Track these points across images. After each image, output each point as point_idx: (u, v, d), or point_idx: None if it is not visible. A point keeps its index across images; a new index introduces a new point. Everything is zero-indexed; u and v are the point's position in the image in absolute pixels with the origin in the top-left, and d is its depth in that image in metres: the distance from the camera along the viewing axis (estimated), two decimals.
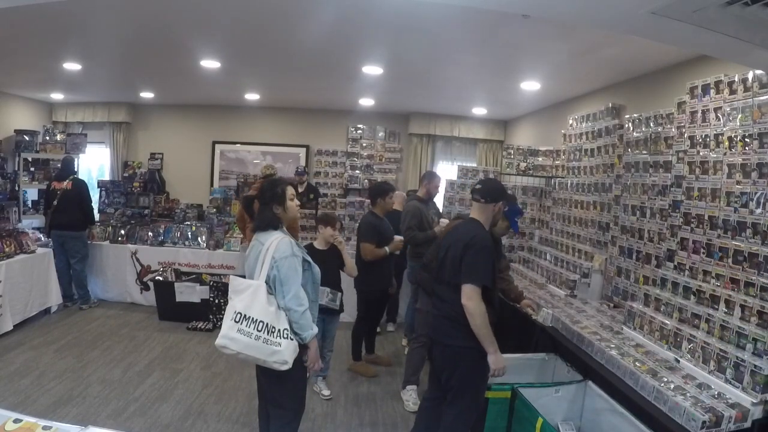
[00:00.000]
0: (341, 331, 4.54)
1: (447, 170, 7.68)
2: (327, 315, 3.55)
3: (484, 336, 2.34)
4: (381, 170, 7.81)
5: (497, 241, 3.67)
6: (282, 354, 2.15)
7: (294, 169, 7.47)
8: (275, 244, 2.22)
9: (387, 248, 4.08)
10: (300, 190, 6.66)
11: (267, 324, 2.15)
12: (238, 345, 2.15)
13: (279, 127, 7.96)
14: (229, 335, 2.15)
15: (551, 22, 2.85)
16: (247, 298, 2.18)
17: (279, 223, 2.32)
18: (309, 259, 2.35)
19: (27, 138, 6.89)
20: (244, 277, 2.32)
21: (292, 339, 2.19)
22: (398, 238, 4.22)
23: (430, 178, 4.78)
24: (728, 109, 2.62)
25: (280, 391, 2.33)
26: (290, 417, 2.37)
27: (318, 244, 3.66)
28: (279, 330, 2.16)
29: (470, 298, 2.32)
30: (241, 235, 5.79)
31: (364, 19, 3.32)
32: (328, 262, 3.48)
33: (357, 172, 7.73)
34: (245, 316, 2.15)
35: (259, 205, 2.34)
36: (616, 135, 3.93)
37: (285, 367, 2.17)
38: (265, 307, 2.17)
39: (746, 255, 2.42)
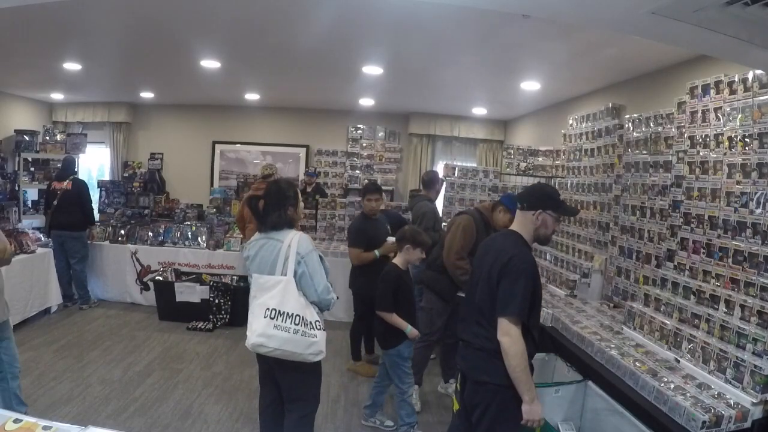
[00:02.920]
0: (341, 332, 4.55)
1: (438, 167, 7.66)
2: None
3: (519, 379, 1.94)
4: (381, 170, 7.81)
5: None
6: (319, 344, 2.24)
7: (294, 168, 7.49)
8: (296, 240, 2.28)
9: (377, 252, 3.94)
10: (308, 190, 6.67)
11: (302, 317, 2.20)
12: (276, 341, 2.18)
13: (279, 127, 7.96)
14: (267, 333, 2.17)
15: (551, 22, 2.85)
16: (279, 293, 2.21)
17: (294, 223, 2.41)
18: (320, 254, 2.41)
19: (27, 138, 6.89)
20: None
21: (323, 330, 2.29)
22: (391, 239, 4.00)
23: (437, 180, 4.76)
24: (728, 109, 2.62)
25: (303, 384, 2.39)
26: (311, 408, 2.44)
27: (400, 264, 3.17)
28: (311, 322, 2.23)
29: (506, 333, 1.94)
30: (241, 235, 5.79)
31: (364, 19, 3.32)
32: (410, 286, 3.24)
33: (357, 172, 7.73)
34: (280, 311, 2.19)
35: (268, 205, 2.38)
36: (616, 135, 3.93)
37: (320, 357, 2.27)
38: (298, 300, 2.22)
39: (746, 255, 2.42)
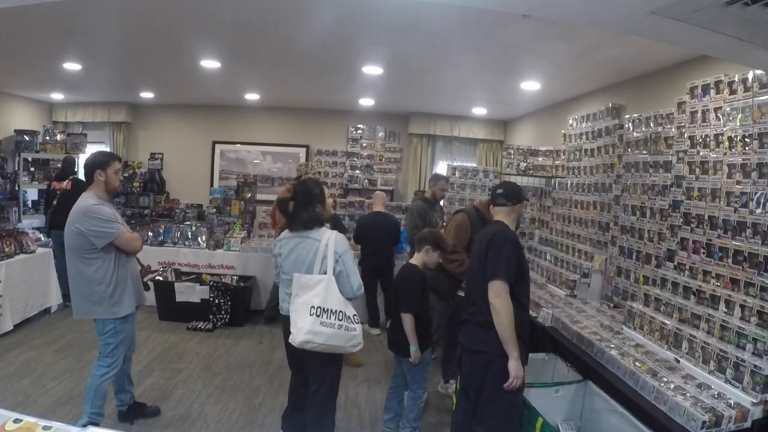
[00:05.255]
0: None
1: (439, 168, 7.70)
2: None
3: (508, 338, 2.21)
4: (381, 170, 7.81)
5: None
6: (359, 337, 2.41)
7: (294, 168, 7.43)
8: (333, 239, 2.41)
9: None
10: None
11: (344, 313, 2.35)
12: (322, 337, 2.31)
13: (279, 127, 7.96)
14: (314, 330, 2.29)
15: (551, 22, 2.84)
16: (322, 292, 2.34)
17: (323, 220, 2.51)
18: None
19: (27, 138, 6.89)
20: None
21: (360, 323, 2.44)
22: None
23: (435, 180, 4.85)
24: (728, 109, 2.62)
25: (333, 369, 2.56)
26: (332, 390, 2.61)
27: (418, 264, 3.04)
28: (350, 316, 2.38)
29: (497, 295, 2.22)
30: (241, 235, 5.83)
31: (364, 19, 3.32)
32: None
33: (357, 172, 7.73)
34: (324, 309, 2.32)
35: (298, 205, 2.50)
36: (616, 135, 3.93)
37: (359, 348, 2.44)
38: (339, 297, 2.36)
39: (746, 255, 2.42)
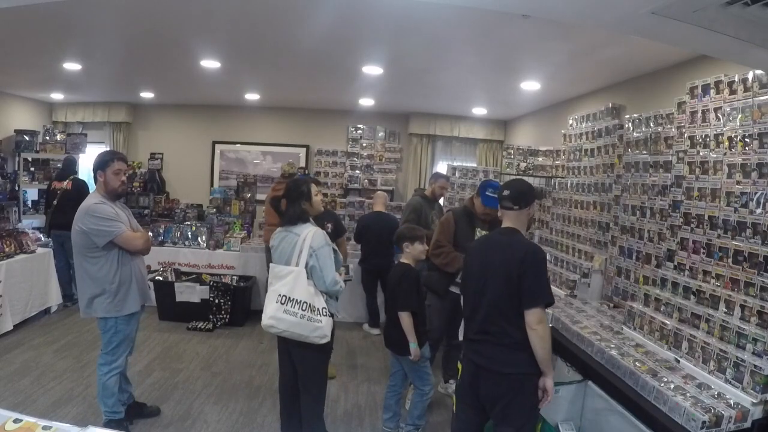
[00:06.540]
0: (339, 331, 4.55)
1: (439, 168, 7.70)
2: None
3: (547, 359, 2.14)
4: (381, 170, 7.81)
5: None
6: (323, 329, 2.48)
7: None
8: (311, 235, 2.52)
9: None
10: None
11: (309, 304, 2.45)
12: (285, 324, 2.45)
13: (279, 127, 7.96)
14: (277, 316, 2.44)
15: (551, 22, 2.84)
16: (290, 282, 2.46)
17: (308, 216, 2.63)
18: (334, 246, 2.64)
19: (27, 138, 6.89)
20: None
21: (329, 316, 2.51)
22: None
23: (435, 179, 4.87)
24: (728, 109, 2.62)
25: (313, 365, 2.64)
26: (320, 390, 2.70)
27: (410, 263, 3.12)
28: (318, 309, 2.48)
29: (540, 321, 2.09)
30: (241, 235, 5.83)
31: (364, 19, 3.32)
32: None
33: (357, 172, 7.73)
34: (290, 298, 2.44)
35: (288, 202, 2.63)
36: (616, 135, 3.93)
37: (325, 341, 2.51)
38: (307, 289, 2.47)
39: (746, 255, 2.42)
